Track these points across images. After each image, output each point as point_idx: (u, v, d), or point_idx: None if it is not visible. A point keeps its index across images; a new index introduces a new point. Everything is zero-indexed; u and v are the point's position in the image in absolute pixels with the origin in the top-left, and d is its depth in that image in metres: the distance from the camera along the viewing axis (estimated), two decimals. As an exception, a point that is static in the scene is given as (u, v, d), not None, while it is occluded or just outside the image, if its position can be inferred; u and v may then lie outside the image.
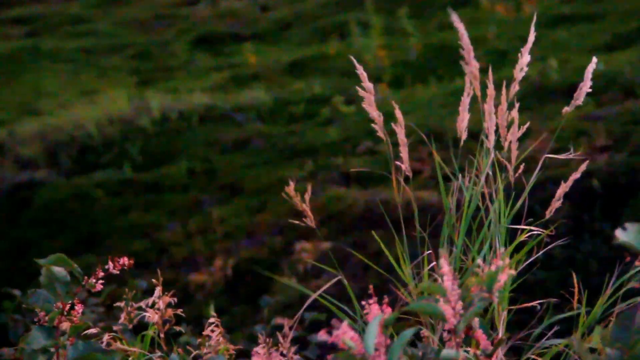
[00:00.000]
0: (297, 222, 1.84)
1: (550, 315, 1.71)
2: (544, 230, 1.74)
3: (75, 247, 6.69)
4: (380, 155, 6.97)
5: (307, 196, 1.79)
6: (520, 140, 1.84)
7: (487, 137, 1.73)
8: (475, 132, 1.88)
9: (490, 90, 1.71)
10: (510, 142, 1.78)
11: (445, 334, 1.22)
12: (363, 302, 1.25)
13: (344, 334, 1.15)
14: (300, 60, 10.36)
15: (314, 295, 1.69)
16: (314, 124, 8.16)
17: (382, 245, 1.74)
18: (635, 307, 1.23)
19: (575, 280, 1.73)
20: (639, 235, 1.18)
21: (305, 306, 1.80)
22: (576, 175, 1.78)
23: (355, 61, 1.73)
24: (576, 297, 1.71)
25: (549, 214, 1.80)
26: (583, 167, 1.79)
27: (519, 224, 1.77)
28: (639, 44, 8.45)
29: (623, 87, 7.20)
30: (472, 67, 1.66)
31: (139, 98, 9.32)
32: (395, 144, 1.81)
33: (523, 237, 1.75)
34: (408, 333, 1.16)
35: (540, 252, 1.78)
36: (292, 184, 1.77)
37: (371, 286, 1.59)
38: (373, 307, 1.21)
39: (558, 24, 9.74)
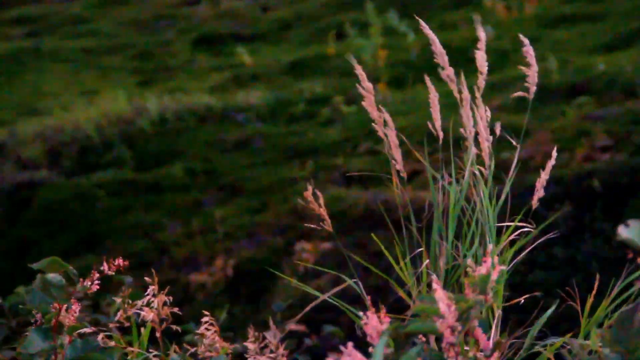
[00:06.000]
0: (314, 226, 1.84)
1: (550, 315, 1.71)
2: (530, 226, 1.74)
3: (75, 247, 6.69)
4: (381, 155, 6.96)
5: (321, 200, 1.78)
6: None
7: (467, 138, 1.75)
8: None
9: (465, 94, 1.73)
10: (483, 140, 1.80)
11: (444, 345, 1.23)
12: (361, 313, 1.25)
13: (350, 356, 1.15)
14: (300, 60, 10.36)
15: (323, 297, 1.69)
16: (314, 124, 8.16)
17: (382, 247, 1.75)
18: (634, 308, 1.22)
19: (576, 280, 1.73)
20: (640, 232, 1.17)
21: (309, 307, 1.80)
22: (551, 162, 1.79)
23: (354, 61, 1.74)
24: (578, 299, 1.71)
25: (535, 204, 1.80)
26: (554, 153, 1.79)
27: (514, 222, 1.77)
28: (639, 44, 8.44)
29: (623, 87, 7.19)
30: (448, 71, 1.70)
31: (139, 98, 9.32)
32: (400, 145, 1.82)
33: (509, 234, 1.74)
34: (414, 352, 1.16)
35: (528, 249, 1.78)
36: (310, 189, 1.76)
37: (369, 297, 1.59)
38: (372, 318, 1.21)
39: (558, 24, 9.74)
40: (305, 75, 9.76)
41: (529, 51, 1.80)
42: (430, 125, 1.79)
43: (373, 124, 1.78)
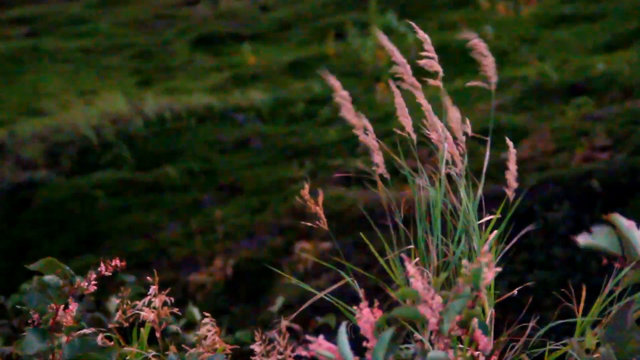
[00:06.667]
0: (310, 224, 1.85)
1: (550, 315, 1.71)
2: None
3: (75, 247, 6.69)
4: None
5: (320, 199, 1.80)
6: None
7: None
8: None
9: (426, 105, 1.76)
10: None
11: (432, 336, 1.24)
12: (355, 307, 1.27)
13: (319, 346, 1.17)
14: (300, 60, 10.36)
15: (320, 295, 1.70)
16: (314, 124, 8.16)
17: (372, 248, 1.76)
18: (628, 306, 1.23)
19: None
20: (610, 237, 1.17)
21: (305, 305, 1.81)
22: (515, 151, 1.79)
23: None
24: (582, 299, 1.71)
25: (514, 182, 1.80)
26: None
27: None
28: (639, 44, 8.45)
29: (622, 87, 7.20)
30: (410, 80, 1.75)
31: (139, 98, 9.32)
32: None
33: (490, 230, 1.75)
34: (387, 335, 1.18)
35: (511, 241, 1.78)
36: (307, 187, 1.78)
37: (362, 290, 1.60)
38: (364, 312, 1.23)
39: (558, 24, 9.74)
40: (304, 75, 9.76)
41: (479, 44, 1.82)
42: (413, 128, 1.82)
43: (354, 130, 1.82)
